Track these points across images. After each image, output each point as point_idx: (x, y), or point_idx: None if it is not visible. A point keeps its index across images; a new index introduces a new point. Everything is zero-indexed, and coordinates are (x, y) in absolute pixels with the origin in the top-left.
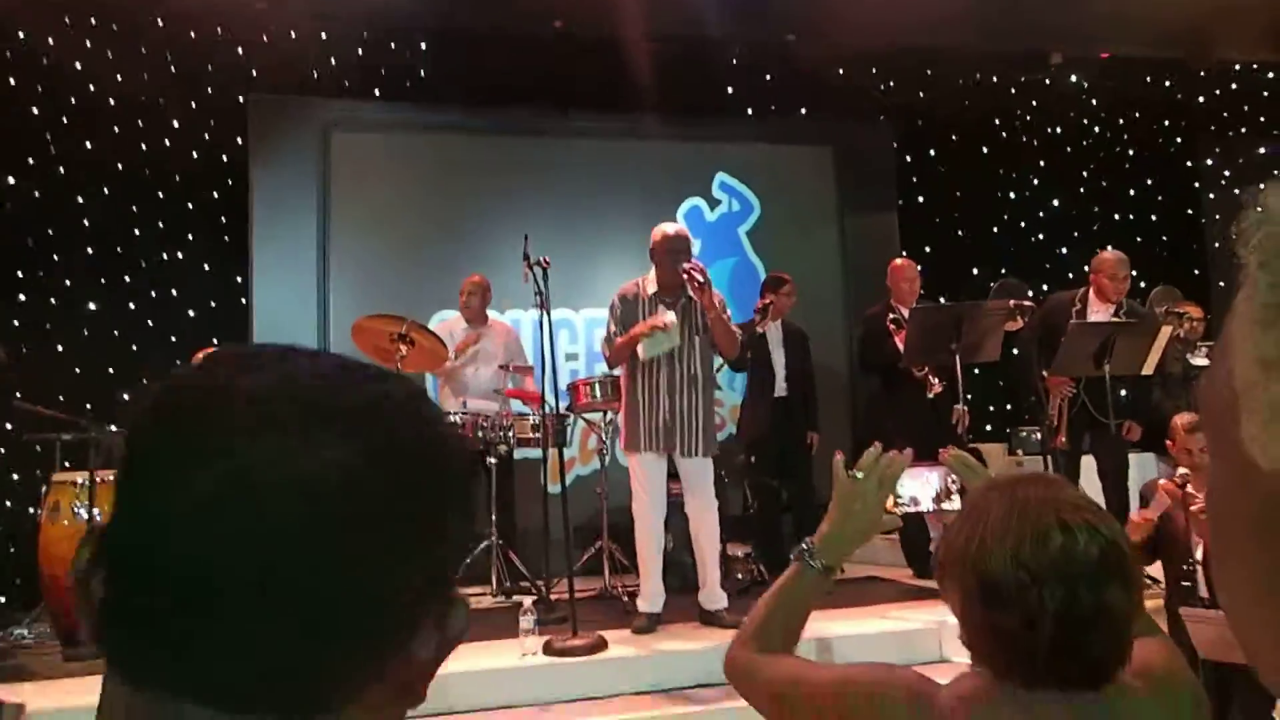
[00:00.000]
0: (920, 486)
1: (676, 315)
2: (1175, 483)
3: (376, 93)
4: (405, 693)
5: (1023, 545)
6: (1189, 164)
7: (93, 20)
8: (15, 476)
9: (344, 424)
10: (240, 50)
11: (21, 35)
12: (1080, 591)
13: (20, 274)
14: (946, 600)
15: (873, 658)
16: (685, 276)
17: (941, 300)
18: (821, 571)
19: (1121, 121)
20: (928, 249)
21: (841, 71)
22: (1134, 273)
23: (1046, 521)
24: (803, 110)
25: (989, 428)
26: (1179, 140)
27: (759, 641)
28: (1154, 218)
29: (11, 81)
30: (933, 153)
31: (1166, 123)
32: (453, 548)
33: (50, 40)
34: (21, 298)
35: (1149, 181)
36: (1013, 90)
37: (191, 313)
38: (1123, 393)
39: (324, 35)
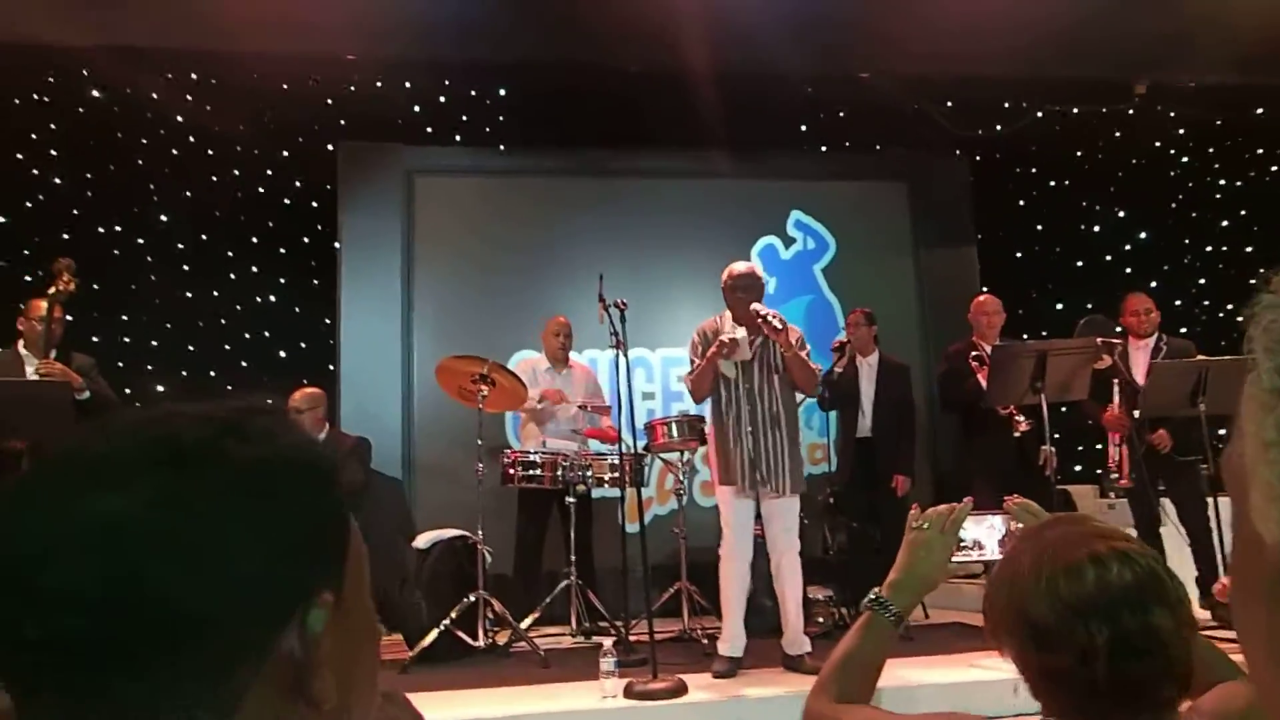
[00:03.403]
0: (985, 531)
1: (753, 353)
2: None
3: (457, 138)
4: (297, 693)
5: (1058, 583)
6: None
7: (193, 75)
8: None
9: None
10: (329, 100)
11: (128, 91)
12: (1124, 618)
13: (125, 317)
14: (1004, 655)
15: (958, 707)
16: (760, 322)
17: (1024, 338)
18: (893, 619)
19: (1211, 150)
20: (1008, 284)
21: (915, 105)
22: (1229, 307)
23: (1077, 557)
24: (877, 146)
25: (1078, 468)
26: (1274, 169)
27: (836, 690)
28: (1248, 249)
29: (119, 134)
30: (1011, 186)
31: (1260, 151)
32: (300, 552)
33: (154, 95)
34: (125, 340)
35: (1242, 212)
36: (1094, 120)
37: (283, 353)
38: (1221, 432)
39: (408, 84)
